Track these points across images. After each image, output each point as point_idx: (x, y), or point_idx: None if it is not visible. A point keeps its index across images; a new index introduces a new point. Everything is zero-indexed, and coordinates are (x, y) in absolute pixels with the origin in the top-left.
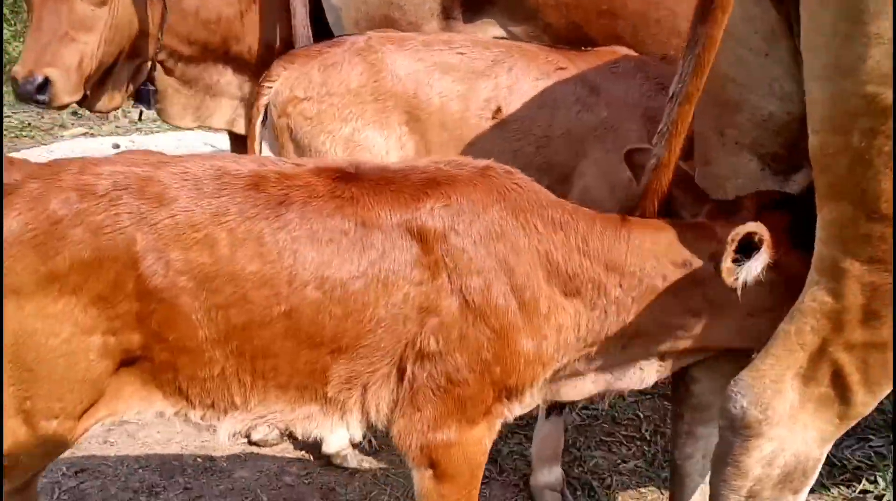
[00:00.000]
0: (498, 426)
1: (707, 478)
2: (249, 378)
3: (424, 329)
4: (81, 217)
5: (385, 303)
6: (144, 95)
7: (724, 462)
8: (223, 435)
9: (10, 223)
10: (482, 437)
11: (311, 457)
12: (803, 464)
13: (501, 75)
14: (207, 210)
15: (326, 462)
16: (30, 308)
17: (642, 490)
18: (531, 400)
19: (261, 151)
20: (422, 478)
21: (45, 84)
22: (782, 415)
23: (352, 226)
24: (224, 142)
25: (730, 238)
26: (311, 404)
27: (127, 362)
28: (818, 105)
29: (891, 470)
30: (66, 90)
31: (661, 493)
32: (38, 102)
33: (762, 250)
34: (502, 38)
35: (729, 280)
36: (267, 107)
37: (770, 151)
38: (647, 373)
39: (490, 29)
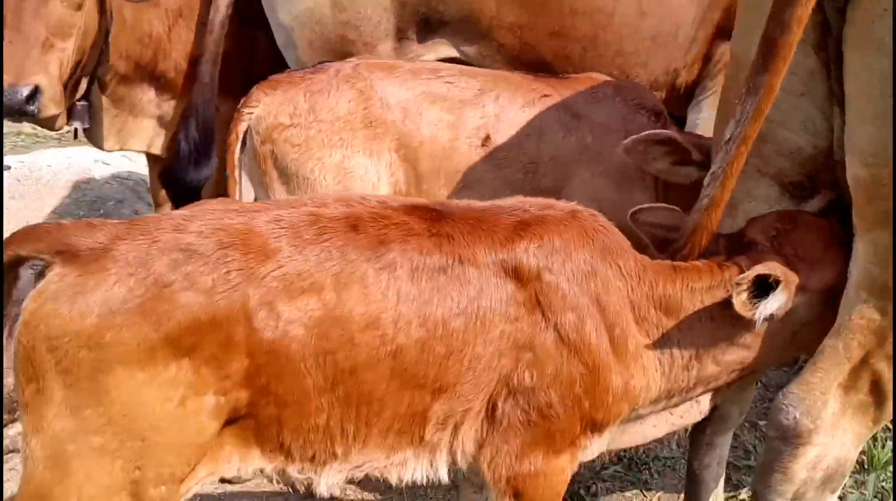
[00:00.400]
0: (579, 458)
1: (720, 483)
2: (352, 426)
3: (519, 365)
4: (191, 279)
5: (483, 340)
6: (80, 112)
7: (771, 470)
8: (323, 488)
9: (112, 291)
10: (565, 467)
11: (290, 490)
12: (843, 466)
13: (489, 104)
14: (311, 257)
15: (307, 493)
16: (142, 377)
17: (626, 493)
18: (605, 439)
19: (240, 179)
20: None
21: (35, 94)
22: (827, 423)
23: (449, 263)
24: (119, 161)
25: (735, 282)
26: (407, 449)
27: (231, 420)
28: (871, 143)
29: (891, 468)
30: (54, 100)
31: (644, 494)
32: (24, 114)
33: (779, 290)
34: (453, 58)
35: (748, 315)
36: (246, 133)
37: (792, 180)
38: (703, 405)
39: (442, 49)
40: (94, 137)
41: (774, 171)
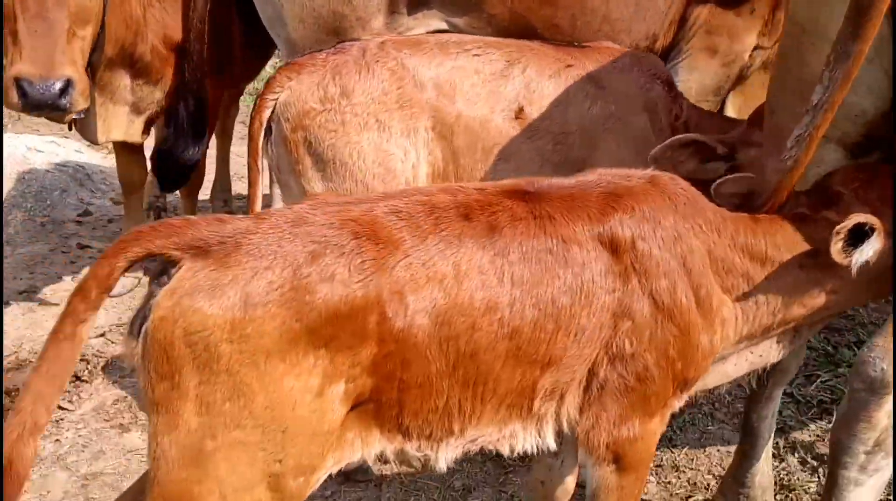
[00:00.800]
0: (668, 419)
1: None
2: (469, 404)
3: (618, 333)
4: (329, 270)
5: (587, 313)
6: None
7: (856, 419)
8: (442, 464)
9: (251, 284)
10: (657, 429)
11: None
12: None
13: (518, 75)
14: (432, 247)
15: (345, 479)
16: (283, 368)
17: None
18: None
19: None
20: (603, 474)
21: (67, 88)
22: None
23: (554, 243)
24: (51, 148)
25: (835, 230)
26: (517, 421)
27: (354, 406)
28: None
29: None
30: (84, 94)
31: (670, 450)
32: (55, 110)
33: (874, 236)
34: (443, 31)
35: (844, 262)
36: (270, 121)
37: (854, 142)
38: (782, 347)
39: (432, 21)
40: (86, 129)
41: (839, 135)
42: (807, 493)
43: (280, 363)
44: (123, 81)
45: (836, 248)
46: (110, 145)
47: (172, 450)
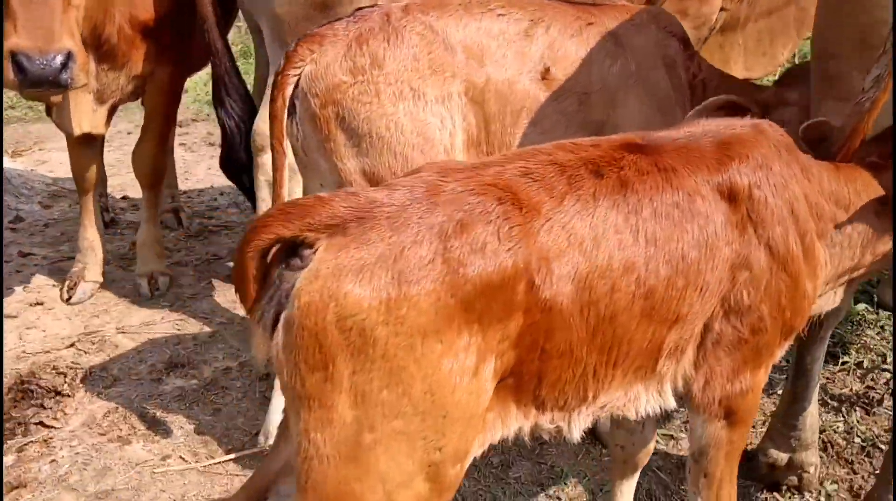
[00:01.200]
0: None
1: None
2: (604, 370)
3: (736, 285)
4: (479, 240)
5: (711, 267)
6: None
7: None
8: (575, 433)
9: (401, 261)
10: (763, 381)
11: None
12: None
13: (542, 35)
14: (570, 208)
15: None
16: (440, 349)
17: None
18: None
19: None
20: (714, 430)
21: (67, 61)
22: None
23: (681, 197)
24: None
25: None
26: (640, 383)
27: (497, 383)
28: None
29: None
30: (84, 68)
31: None
32: (55, 86)
33: None
34: None
35: None
36: (292, 96)
37: None
38: (839, 295)
39: None
40: (62, 118)
41: None
42: (836, 432)
43: (437, 343)
44: (90, 65)
45: None
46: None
47: (327, 447)
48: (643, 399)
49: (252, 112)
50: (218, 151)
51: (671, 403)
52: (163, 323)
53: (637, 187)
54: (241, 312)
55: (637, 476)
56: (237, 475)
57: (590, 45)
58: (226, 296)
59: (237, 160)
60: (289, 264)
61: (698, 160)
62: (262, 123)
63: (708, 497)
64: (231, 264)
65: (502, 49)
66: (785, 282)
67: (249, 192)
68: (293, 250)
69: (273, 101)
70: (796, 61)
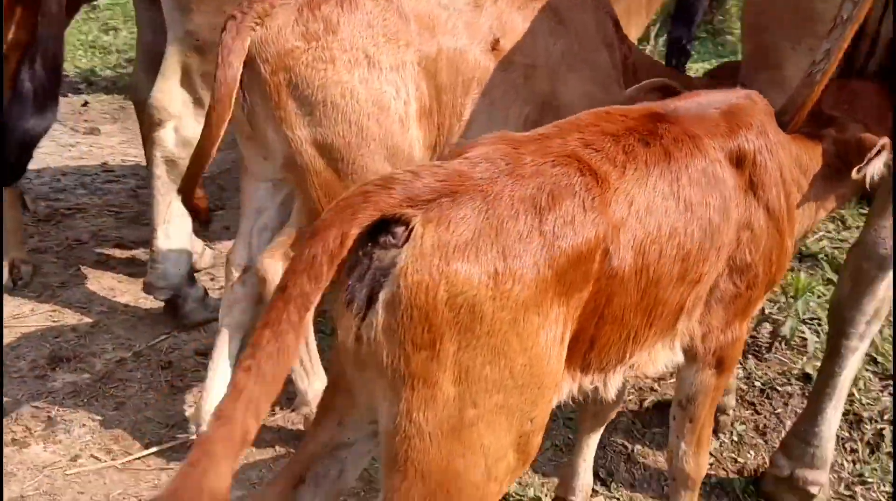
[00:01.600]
0: None
1: None
2: (643, 331)
3: (740, 244)
4: (569, 212)
5: (726, 229)
6: None
7: (862, 293)
8: (612, 393)
9: (502, 236)
10: (747, 330)
11: None
12: None
13: (490, 6)
14: (630, 177)
15: None
16: (538, 321)
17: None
18: None
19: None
20: (704, 377)
21: None
22: None
23: (706, 163)
24: None
25: (875, 150)
26: (659, 341)
27: None
28: None
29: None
30: None
31: None
32: None
33: (884, 153)
34: None
35: (859, 176)
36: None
37: None
38: None
39: None
40: None
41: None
42: (738, 379)
43: (535, 316)
44: None
45: (857, 163)
46: None
47: (430, 425)
48: (661, 357)
49: (54, 86)
50: None
51: (681, 359)
52: (34, 316)
53: (676, 155)
54: (122, 299)
55: (602, 428)
56: (164, 469)
57: (535, 19)
58: (100, 283)
59: (16, 125)
60: (378, 241)
61: (714, 128)
62: (159, 94)
63: (691, 441)
64: (98, 249)
65: (453, 19)
66: (775, 240)
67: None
68: (380, 226)
69: (221, 68)
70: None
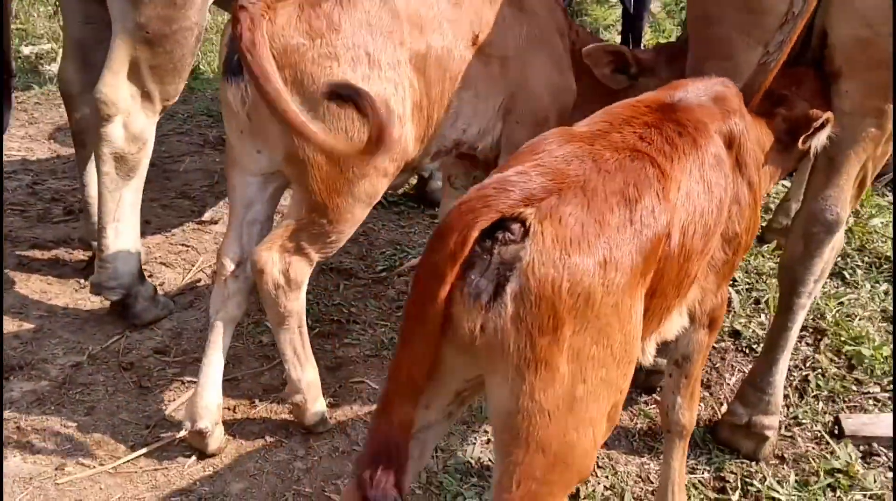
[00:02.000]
0: None
1: None
2: (674, 302)
3: (731, 217)
4: (650, 202)
5: (726, 205)
6: None
7: (812, 255)
8: (649, 359)
9: (607, 230)
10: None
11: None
12: (839, 242)
13: (468, 4)
14: (678, 166)
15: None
16: (630, 302)
17: None
18: None
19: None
20: (699, 337)
21: None
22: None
23: (716, 148)
24: None
25: (819, 123)
26: (676, 310)
27: None
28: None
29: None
30: None
31: None
32: None
33: (827, 128)
34: None
35: (804, 147)
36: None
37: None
38: None
39: None
40: None
41: (766, 40)
42: None
43: (629, 299)
44: None
45: (804, 137)
46: None
47: (549, 403)
48: (676, 322)
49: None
50: None
51: (687, 322)
52: None
53: (699, 142)
54: (58, 302)
55: None
56: (157, 469)
57: (503, 11)
58: (29, 287)
59: None
60: (496, 238)
61: (712, 115)
62: (107, 88)
63: (685, 396)
64: (17, 251)
65: (438, 18)
66: (753, 210)
67: None
68: (495, 225)
69: (254, 63)
70: None
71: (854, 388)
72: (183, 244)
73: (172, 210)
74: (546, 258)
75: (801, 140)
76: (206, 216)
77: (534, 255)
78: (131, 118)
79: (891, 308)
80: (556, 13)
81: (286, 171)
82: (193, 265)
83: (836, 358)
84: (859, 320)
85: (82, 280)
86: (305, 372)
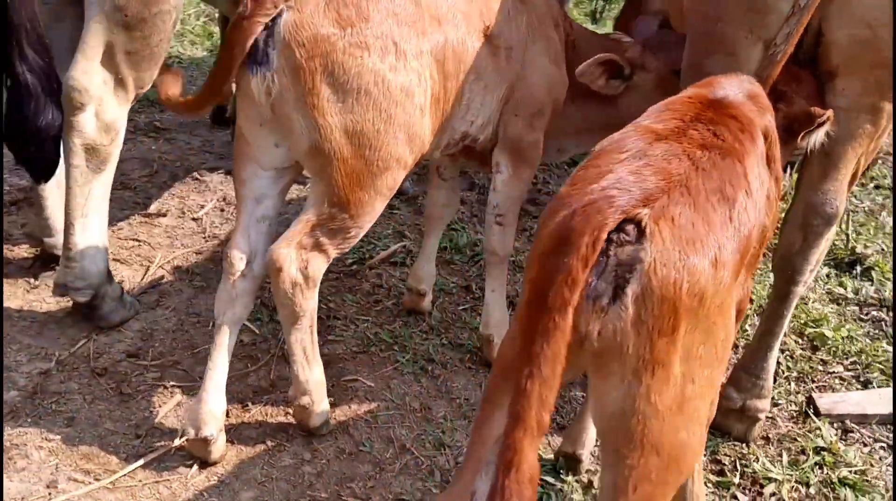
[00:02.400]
0: None
1: None
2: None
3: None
4: (744, 202)
5: (765, 200)
6: None
7: (811, 246)
8: None
9: (713, 228)
10: None
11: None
12: (832, 233)
13: None
14: (748, 162)
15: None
16: (730, 301)
17: None
18: None
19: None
20: None
21: None
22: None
23: (762, 143)
24: None
25: (821, 120)
26: None
27: None
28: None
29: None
30: None
31: None
32: None
33: (827, 125)
34: None
35: (802, 144)
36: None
37: (767, 39)
38: None
39: None
40: None
41: (769, 36)
42: None
43: (729, 297)
44: None
45: (805, 132)
46: None
47: (663, 404)
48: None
49: (53, 68)
50: None
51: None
52: None
53: (755, 138)
54: (11, 304)
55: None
56: (158, 481)
57: (504, 3)
58: None
59: (34, 125)
60: (611, 239)
61: (753, 112)
62: (80, 75)
63: None
64: None
65: (453, 9)
66: (777, 203)
67: (33, 163)
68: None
69: (230, 47)
70: None
71: (820, 368)
72: (133, 239)
73: (114, 202)
74: (667, 260)
75: (801, 136)
76: (153, 209)
77: (654, 256)
78: (103, 106)
79: (836, 290)
80: (553, 6)
81: (308, 165)
82: (150, 262)
83: (799, 340)
84: (813, 302)
85: (32, 279)
86: (313, 372)
